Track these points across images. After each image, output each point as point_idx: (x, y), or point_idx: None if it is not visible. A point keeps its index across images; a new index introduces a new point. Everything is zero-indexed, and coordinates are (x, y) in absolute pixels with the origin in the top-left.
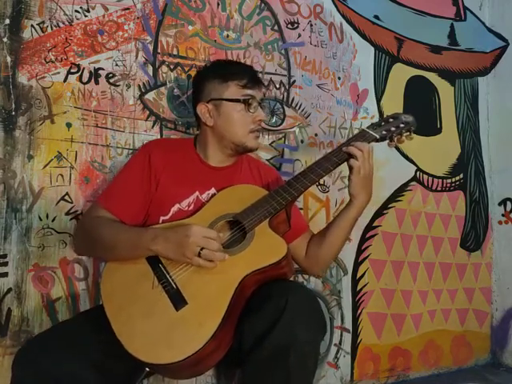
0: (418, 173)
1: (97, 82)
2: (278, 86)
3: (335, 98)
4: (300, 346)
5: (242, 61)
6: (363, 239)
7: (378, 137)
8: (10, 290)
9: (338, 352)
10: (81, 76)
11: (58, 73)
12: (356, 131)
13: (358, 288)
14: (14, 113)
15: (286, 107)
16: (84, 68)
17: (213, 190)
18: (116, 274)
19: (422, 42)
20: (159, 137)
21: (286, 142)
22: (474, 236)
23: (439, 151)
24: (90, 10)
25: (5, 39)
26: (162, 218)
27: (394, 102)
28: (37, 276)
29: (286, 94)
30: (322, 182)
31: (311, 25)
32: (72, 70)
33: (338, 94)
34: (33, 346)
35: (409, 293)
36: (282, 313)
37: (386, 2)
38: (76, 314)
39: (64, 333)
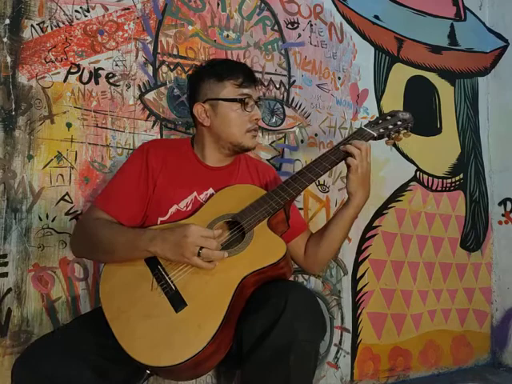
0: (418, 173)
1: (97, 82)
2: (278, 85)
3: (335, 97)
4: (300, 346)
5: (242, 61)
6: (363, 239)
7: (375, 135)
8: (9, 290)
9: (337, 352)
10: (81, 76)
11: (58, 73)
12: None
13: (358, 288)
14: (14, 113)
15: (286, 107)
16: (84, 68)
17: (211, 190)
18: (114, 276)
19: (422, 42)
20: (159, 137)
21: (286, 142)
22: (473, 236)
23: (439, 151)
24: (90, 9)
25: (5, 39)
26: (160, 219)
27: (394, 102)
28: (37, 276)
29: (285, 94)
30: (322, 182)
31: (311, 25)
32: (72, 70)
33: (338, 94)
34: (33, 351)
35: (409, 293)
36: (282, 313)
37: (386, 2)
38: (76, 318)
39: (64, 337)
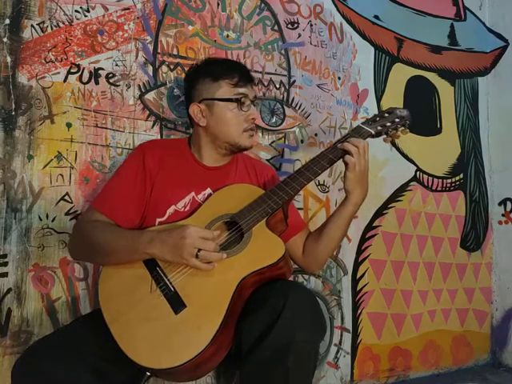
0: (418, 173)
1: (97, 82)
2: (278, 85)
3: (335, 97)
4: (299, 346)
5: (242, 61)
6: (363, 239)
7: (373, 132)
8: (9, 290)
9: (337, 352)
10: (81, 76)
11: (58, 73)
12: None
13: (358, 288)
14: (13, 113)
15: (286, 107)
16: (84, 68)
17: (208, 190)
18: (113, 279)
19: (422, 42)
20: (159, 137)
21: (286, 142)
22: (473, 236)
23: (439, 151)
24: (90, 9)
25: (5, 39)
26: (158, 220)
27: (394, 102)
28: (37, 276)
29: (285, 94)
30: (321, 182)
31: (311, 25)
32: (72, 70)
33: (338, 94)
34: (33, 352)
35: (409, 293)
36: (281, 313)
37: (386, 2)
38: (75, 319)
39: (64, 339)
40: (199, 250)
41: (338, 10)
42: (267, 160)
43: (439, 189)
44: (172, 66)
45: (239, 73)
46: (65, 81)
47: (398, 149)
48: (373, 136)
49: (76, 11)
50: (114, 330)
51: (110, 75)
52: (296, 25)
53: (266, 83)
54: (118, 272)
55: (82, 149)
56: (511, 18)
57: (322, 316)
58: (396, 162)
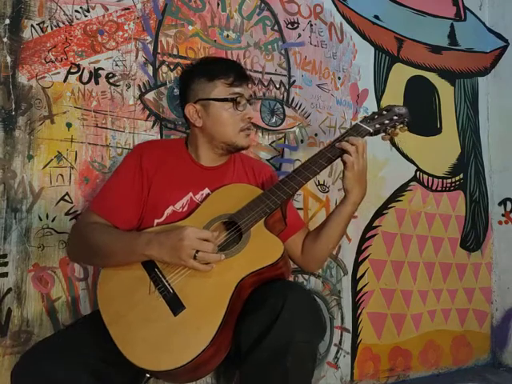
0: (417, 173)
1: (97, 82)
2: (278, 85)
3: (335, 98)
4: (298, 347)
5: (242, 61)
6: (363, 239)
7: (371, 131)
8: (9, 290)
9: (337, 352)
10: (81, 76)
11: (58, 73)
12: None
13: (358, 288)
14: (13, 113)
15: (286, 107)
16: (84, 68)
17: (206, 191)
18: (112, 281)
19: (422, 42)
20: (159, 137)
21: (286, 142)
22: (473, 236)
23: (439, 151)
24: (90, 9)
25: (5, 39)
26: (156, 221)
27: (394, 101)
28: (37, 276)
29: (285, 94)
30: (321, 182)
31: (311, 25)
32: (72, 70)
33: (338, 94)
34: (32, 354)
35: (409, 293)
36: (280, 313)
37: (386, 2)
38: (75, 321)
39: (64, 341)
40: (197, 251)
41: (338, 9)
42: (267, 160)
43: (439, 189)
44: (172, 66)
45: (234, 72)
46: (65, 81)
47: (398, 149)
48: (371, 134)
49: (76, 11)
50: (113, 332)
51: (110, 75)
52: (296, 25)
53: (265, 83)
54: (117, 274)
55: (81, 149)
56: (511, 18)
57: (321, 316)
58: (396, 162)
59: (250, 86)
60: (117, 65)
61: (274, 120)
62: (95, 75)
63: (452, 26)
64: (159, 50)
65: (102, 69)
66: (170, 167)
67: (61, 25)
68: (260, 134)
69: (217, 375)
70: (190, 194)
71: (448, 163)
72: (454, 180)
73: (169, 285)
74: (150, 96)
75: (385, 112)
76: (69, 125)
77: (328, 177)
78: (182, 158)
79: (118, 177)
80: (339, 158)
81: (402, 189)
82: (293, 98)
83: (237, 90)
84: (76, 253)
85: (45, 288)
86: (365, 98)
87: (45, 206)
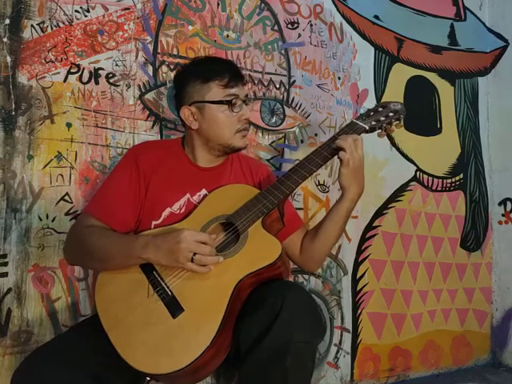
0: (417, 173)
1: (97, 82)
2: (278, 85)
3: (335, 97)
4: (297, 347)
5: (242, 61)
6: (363, 239)
7: (367, 128)
8: (9, 290)
9: (338, 352)
10: (81, 76)
11: (58, 73)
12: None
13: (358, 288)
14: (13, 113)
15: (286, 107)
16: (84, 68)
17: (204, 191)
18: (110, 284)
19: (422, 42)
20: (159, 137)
21: (286, 142)
22: (473, 236)
23: (439, 151)
24: (90, 9)
25: (5, 39)
26: (153, 223)
27: None
28: (37, 276)
29: (285, 94)
30: (321, 182)
31: (311, 25)
32: (72, 70)
33: (338, 94)
34: (32, 360)
35: (409, 293)
36: (279, 313)
37: (386, 2)
38: (75, 324)
39: (63, 346)
40: (195, 253)
41: (338, 9)
42: (267, 160)
43: (439, 189)
44: (172, 66)
45: (229, 73)
46: (65, 81)
47: (398, 149)
48: (367, 131)
49: (76, 11)
50: (112, 336)
51: (110, 75)
52: (296, 25)
53: (265, 83)
54: (115, 277)
55: (81, 149)
56: (511, 18)
57: (320, 316)
58: (396, 162)
59: (245, 85)
60: (117, 65)
61: (274, 120)
62: (95, 75)
63: (452, 26)
64: (159, 50)
65: (102, 69)
66: (167, 168)
67: (61, 25)
68: (260, 134)
69: (217, 376)
70: (188, 195)
71: (448, 163)
72: (453, 180)
73: (167, 287)
74: (150, 96)
75: (380, 109)
76: (69, 125)
77: (328, 177)
78: (179, 159)
79: (114, 179)
80: (336, 156)
81: (402, 189)
82: (293, 98)
83: (232, 91)
84: (73, 256)
85: (45, 288)
86: (365, 98)
87: (45, 206)
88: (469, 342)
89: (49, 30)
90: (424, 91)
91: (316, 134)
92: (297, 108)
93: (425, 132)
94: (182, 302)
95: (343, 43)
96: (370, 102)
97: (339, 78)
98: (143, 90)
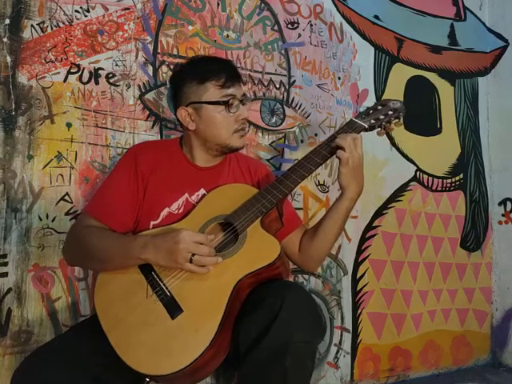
0: (417, 173)
1: (97, 82)
2: (278, 85)
3: (335, 97)
4: (297, 346)
5: (242, 61)
6: (363, 239)
7: (366, 126)
8: (9, 290)
9: (338, 352)
10: (81, 76)
11: (58, 73)
12: None
13: (358, 288)
14: (13, 113)
15: (286, 107)
16: (84, 68)
17: (202, 191)
18: (109, 285)
19: (422, 42)
20: (159, 137)
21: (286, 142)
22: (473, 236)
23: (439, 151)
24: (90, 9)
25: (5, 39)
26: (152, 223)
27: None
28: (37, 276)
29: (285, 94)
30: (321, 181)
31: (311, 25)
32: (72, 70)
33: (338, 94)
34: (32, 361)
35: (409, 293)
36: (278, 313)
37: (386, 2)
38: (74, 325)
39: (63, 347)
40: (193, 254)
41: (338, 9)
42: (267, 160)
43: (439, 189)
44: (172, 66)
45: (226, 72)
46: (65, 81)
47: (398, 149)
48: (366, 130)
49: (76, 11)
50: (111, 337)
51: (110, 75)
52: (296, 25)
53: (265, 83)
54: (114, 278)
55: (81, 149)
56: (511, 18)
57: (320, 316)
58: (396, 162)
59: (243, 84)
60: (117, 65)
61: (274, 120)
62: (95, 75)
63: (452, 26)
64: (159, 50)
65: (102, 69)
66: (165, 168)
67: (61, 25)
68: (260, 134)
69: (216, 376)
70: (186, 194)
71: (448, 163)
72: (454, 180)
73: (166, 288)
74: (150, 96)
75: (380, 107)
76: (69, 125)
77: (328, 177)
78: (177, 159)
79: (113, 179)
80: (335, 155)
81: (402, 189)
82: (293, 98)
83: (229, 91)
84: (73, 256)
85: (45, 288)
86: (365, 98)
87: (45, 206)
88: (469, 342)
89: (49, 30)
90: (424, 91)
91: (316, 134)
92: (297, 108)
93: (425, 132)
94: (180, 303)
95: (343, 43)
96: (370, 102)
97: (339, 78)
98: (143, 90)
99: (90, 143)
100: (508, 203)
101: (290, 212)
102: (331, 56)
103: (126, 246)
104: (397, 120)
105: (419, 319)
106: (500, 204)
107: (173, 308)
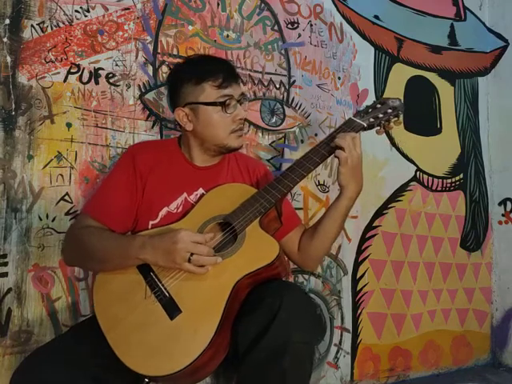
0: (417, 173)
1: (97, 82)
2: (278, 85)
3: (335, 97)
4: (295, 348)
5: (242, 61)
6: (363, 239)
7: (365, 125)
8: (9, 289)
9: (338, 352)
10: (81, 76)
11: (58, 73)
12: None
13: (358, 288)
14: (13, 113)
15: (286, 107)
16: (84, 68)
17: (201, 191)
18: (107, 286)
19: (422, 42)
20: (159, 137)
21: (286, 142)
22: (473, 236)
23: (439, 151)
24: (90, 9)
25: (5, 39)
26: (150, 223)
27: None
28: (37, 276)
29: (285, 94)
30: (321, 182)
31: (311, 25)
32: (72, 70)
33: (338, 94)
34: (31, 361)
35: (409, 293)
36: (277, 313)
37: (386, 2)
38: (74, 326)
39: (63, 347)
40: (192, 254)
41: (338, 10)
42: (267, 160)
43: (439, 189)
44: (172, 66)
45: (223, 72)
46: (65, 81)
47: (398, 149)
48: (365, 129)
49: (76, 11)
50: (110, 338)
51: (110, 75)
52: (296, 25)
53: (265, 83)
54: (113, 279)
55: (82, 149)
56: (511, 18)
57: (318, 316)
58: (396, 162)
59: (241, 83)
60: (117, 65)
61: (274, 120)
62: (95, 75)
63: (452, 26)
64: (159, 50)
65: (102, 69)
66: (164, 168)
67: (61, 25)
68: (260, 134)
69: (216, 376)
70: (185, 194)
71: (448, 163)
72: (453, 180)
73: (164, 289)
74: (150, 96)
75: (379, 105)
76: (69, 125)
77: (328, 177)
78: (176, 159)
79: (111, 179)
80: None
81: (402, 189)
82: (293, 98)
83: (226, 91)
84: (72, 256)
85: (45, 288)
86: (365, 98)
87: (45, 206)
88: (469, 342)
89: (49, 30)
90: (424, 91)
91: (316, 134)
92: (297, 108)
93: (425, 132)
94: (179, 304)
95: (343, 43)
96: (370, 102)
97: (339, 78)
98: (143, 90)
99: (89, 143)
100: (508, 203)
101: (289, 211)
102: (331, 56)
103: (124, 246)
104: (396, 118)
105: (419, 319)
106: (500, 204)
107: (171, 308)
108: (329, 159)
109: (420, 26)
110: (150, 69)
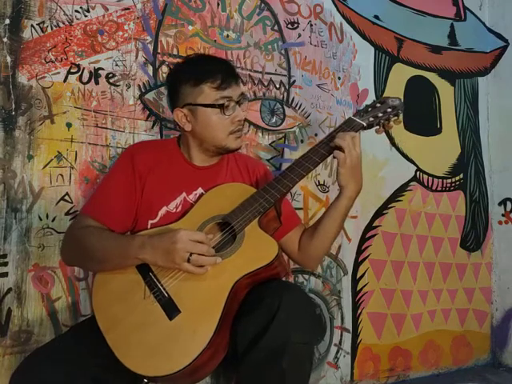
0: (417, 173)
1: (97, 82)
2: (278, 85)
3: (335, 98)
4: (294, 348)
5: (242, 61)
6: (363, 239)
7: (365, 124)
8: (9, 290)
9: (337, 352)
10: (81, 76)
11: (58, 73)
12: None
13: (358, 288)
14: (13, 113)
15: (286, 107)
16: (84, 68)
17: (200, 190)
18: (106, 286)
19: (422, 42)
20: (159, 137)
21: (286, 142)
22: (473, 236)
23: (439, 151)
24: (90, 9)
25: (5, 39)
26: (150, 222)
27: None
28: (37, 276)
29: (285, 94)
30: (321, 182)
31: (311, 25)
32: (72, 70)
33: (338, 94)
34: (31, 361)
35: (409, 293)
36: (276, 313)
37: (386, 2)
38: (73, 326)
39: (63, 347)
40: (191, 253)
41: (338, 9)
42: (267, 160)
43: (439, 189)
44: (172, 66)
45: (221, 73)
46: (65, 81)
47: (398, 149)
48: (365, 128)
49: (76, 11)
50: (109, 338)
51: (110, 75)
52: (296, 25)
53: (265, 83)
54: (112, 279)
55: (82, 149)
56: (511, 18)
57: (318, 317)
58: (396, 162)
59: (241, 84)
60: (117, 65)
61: (274, 120)
62: (95, 75)
63: (452, 26)
64: (159, 50)
65: (102, 69)
66: (163, 168)
67: (61, 25)
68: (260, 134)
69: (216, 375)
70: (184, 194)
71: (448, 163)
72: (453, 180)
73: (164, 289)
74: (150, 96)
75: (378, 104)
76: (69, 125)
77: (328, 177)
78: (175, 158)
79: (110, 179)
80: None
81: (402, 189)
82: (293, 98)
83: (225, 93)
84: (72, 256)
85: (45, 288)
86: (365, 98)
87: (45, 206)
88: (469, 342)
89: (49, 30)
90: (424, 91)
91: (316, 134)
92: (297, 108)
93: (425, 132)
94: (178, 304)
95: (343, 43)
96: (370, 102)
97: (339, 78)
98: (143, 90)
99: (89, 143)
100: (508, 203)
101: (288, 210)
102: (331, 56)
103: (124, 246)
104: (396, 117)
105: (419, 319)
106: (500, 204)
107: (170, 309)
108: (329, 159)
109: (420, 26)
110: (150, 69)
